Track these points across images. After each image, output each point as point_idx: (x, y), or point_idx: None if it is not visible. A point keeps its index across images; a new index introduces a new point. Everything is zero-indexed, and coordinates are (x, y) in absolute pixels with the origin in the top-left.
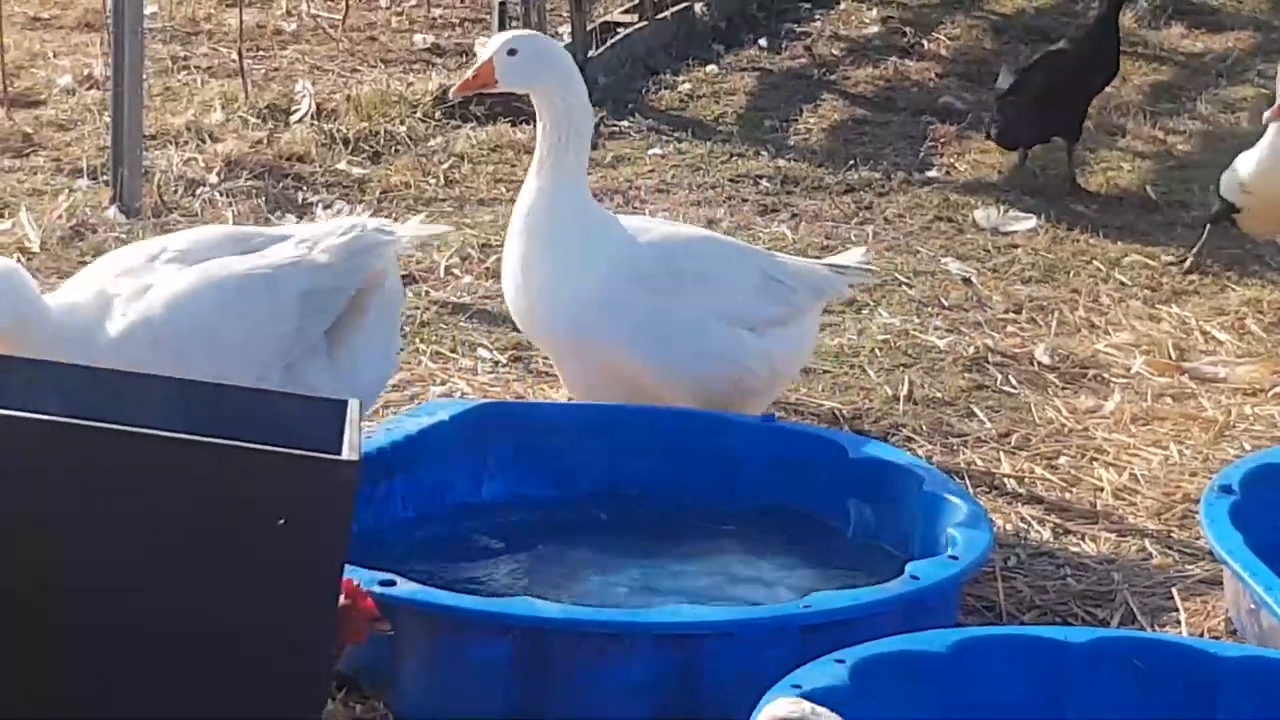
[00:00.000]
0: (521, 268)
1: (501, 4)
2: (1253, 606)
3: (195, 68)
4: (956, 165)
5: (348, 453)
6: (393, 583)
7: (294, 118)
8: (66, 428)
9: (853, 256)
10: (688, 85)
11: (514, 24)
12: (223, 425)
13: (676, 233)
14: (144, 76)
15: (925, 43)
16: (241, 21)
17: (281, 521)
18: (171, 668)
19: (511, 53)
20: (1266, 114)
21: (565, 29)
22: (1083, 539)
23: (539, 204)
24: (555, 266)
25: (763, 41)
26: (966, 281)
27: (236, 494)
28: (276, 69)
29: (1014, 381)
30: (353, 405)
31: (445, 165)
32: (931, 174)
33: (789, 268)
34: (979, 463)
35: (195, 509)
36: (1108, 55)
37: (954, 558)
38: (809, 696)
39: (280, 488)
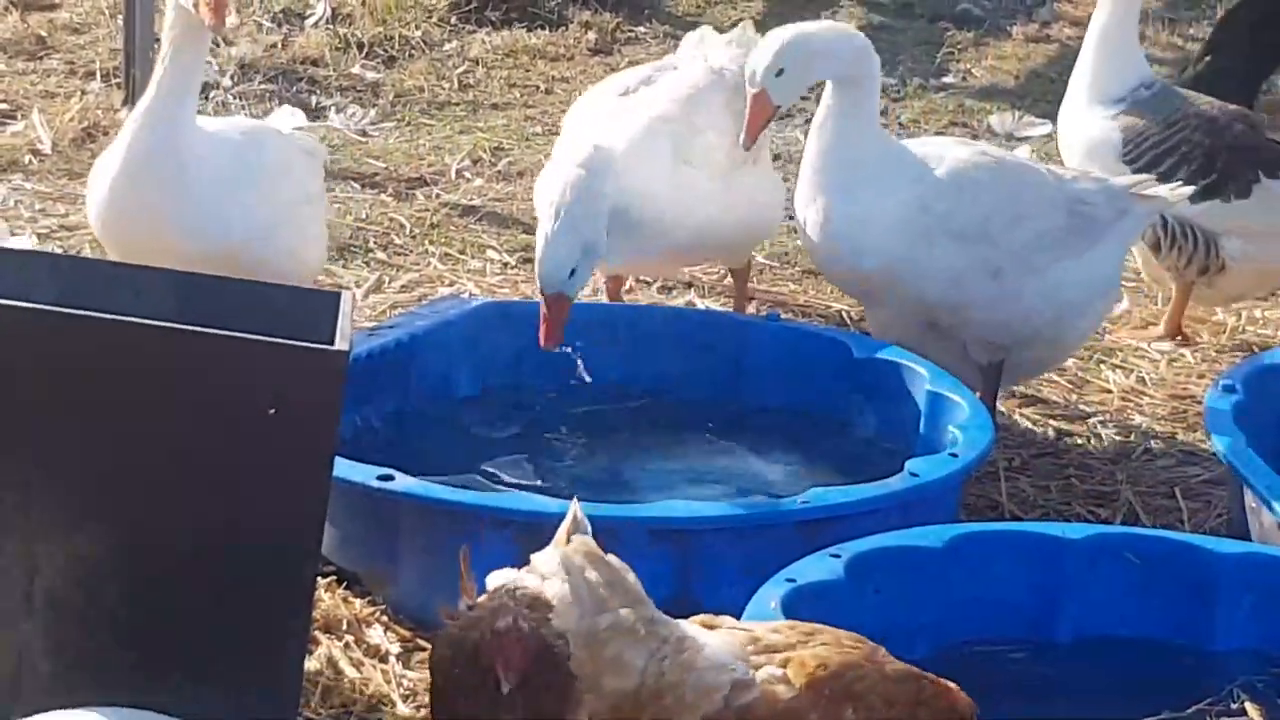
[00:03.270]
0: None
1: None
2: (1254, 505)
3: None
4: (973, 71)
5: (340, 343)
6: (391, 477)
7: (309, 21)
8: (58, 317)
9: None
10: None
11: None
12: (216, 316)
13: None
14: None
15: None
16: None
17: (272, 411)
18: (159, 557)
19: None
20: None
21: None
22: (1088, 440)
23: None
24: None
25: None
26: None
27: (227, 383)
28: None
29: None
30: (345, 297)
31: (460, 70)
32: (948, 80)
33: None
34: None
35: (185, 398)
36: None
37: (954, 455)
38: (803, 590)
39: (270, 377)
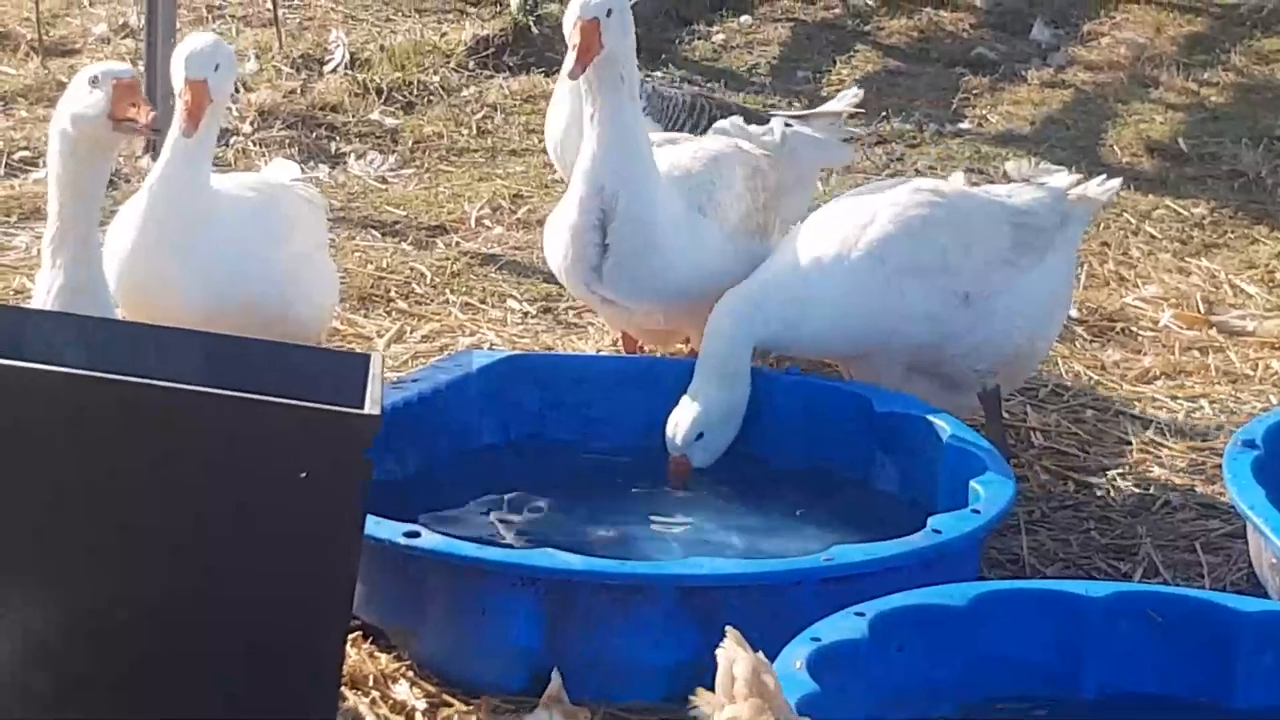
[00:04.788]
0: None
1: None
2: (1274, 561)
3: (230, 17)
4: (988, 117)
5: (370, 407)
6: (417, 534)
7: (328, 67)
8: (89, 380)
9: None
10: (721, 36)
11: None
12: (244, 378)
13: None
14: (178, 26)
15: None
16: None
17: (303, 475)
18: (189, 616)
19: None
20: None
21: None
22: (1107, 493)
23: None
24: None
25: None
26: None
27: (258, 447)
28: (311, 18)
29: None
30: (375, 359)
31: (478, 115)
32: (963, 125)
33: None
34: (1005, 416)
35: (216, 462)
36: None
37: (976, 511)
38: (828, 649)
39: (303, 441)
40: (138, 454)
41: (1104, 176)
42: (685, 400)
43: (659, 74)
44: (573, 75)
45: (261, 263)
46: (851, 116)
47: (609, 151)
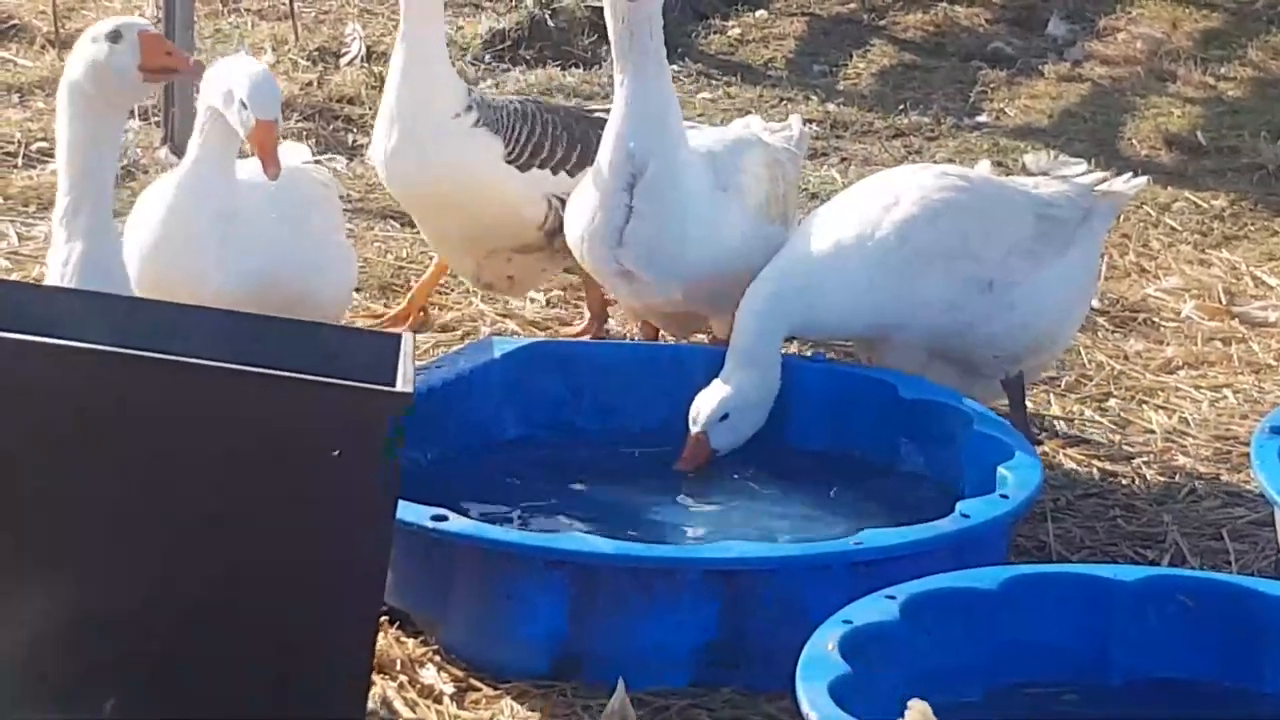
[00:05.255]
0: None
1: None
2: None
3: (246, 10)
4: (1006, 110)
5: (401, 385)
6: (445, 518)
7: (344, 60)
8: (117, 358)
9: None
10: (737, 30)
11: None
12: (269, 356)
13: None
14: (195, 19)
15: None
16: None
17: (337, 453)
18: (222, 597)
19: None
20: None
21: None
22: (1132, 481)
23: None
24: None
25: None
26: None
27: (288, 425)
28: (326, 11)
29: None
30: (406, 338)
31: None
32: (981, 119)
33: None
34: (1029, 405)
35: (247, 440)
36: None
37: (1005, 496)
38: (860, 631)
39: (336, 419)
40: (160, 433)
41: (1131, 174)
42: (716, 383)
43: (675, 67)
44: None
45: (281, 248)
46: None
47: (638, 119)
